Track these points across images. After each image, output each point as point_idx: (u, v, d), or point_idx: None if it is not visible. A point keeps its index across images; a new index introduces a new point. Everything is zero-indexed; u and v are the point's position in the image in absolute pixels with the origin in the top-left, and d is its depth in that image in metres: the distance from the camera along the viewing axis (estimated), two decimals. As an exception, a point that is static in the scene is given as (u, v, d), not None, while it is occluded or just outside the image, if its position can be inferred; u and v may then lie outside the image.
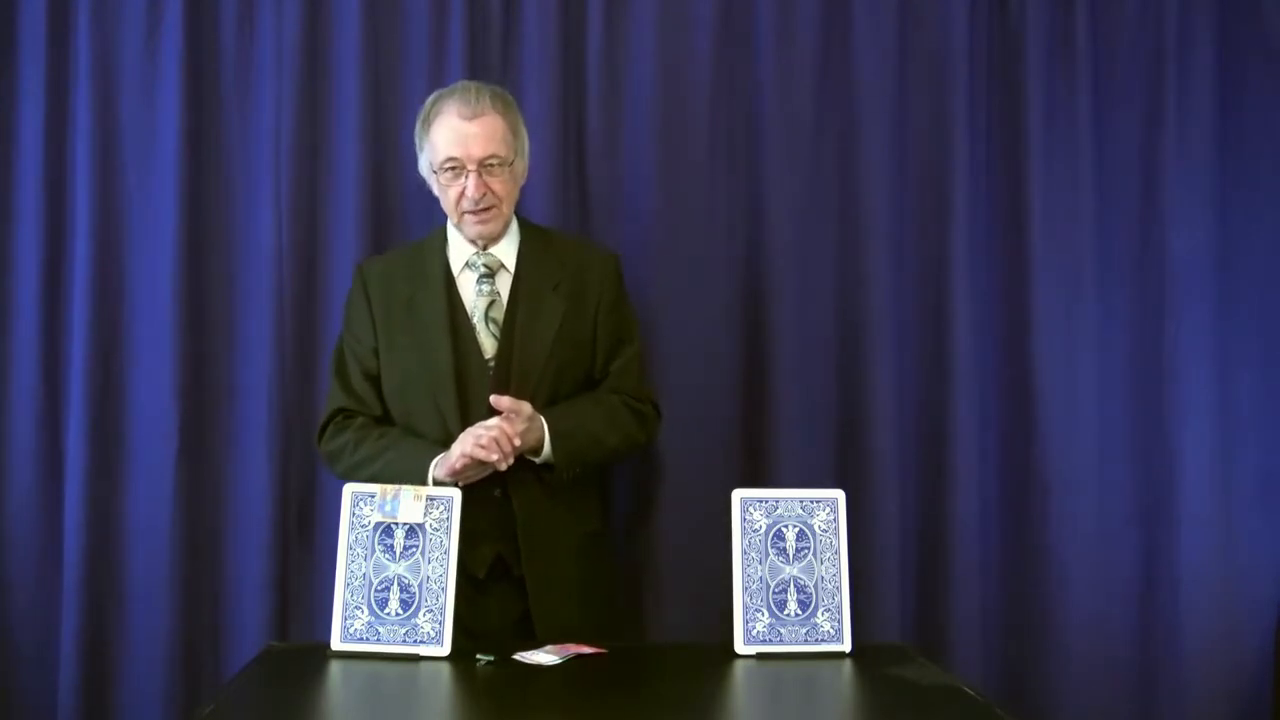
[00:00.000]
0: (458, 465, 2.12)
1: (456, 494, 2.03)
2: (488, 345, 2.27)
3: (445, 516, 2.01)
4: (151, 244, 2.67)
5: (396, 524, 2.00)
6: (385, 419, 2.32)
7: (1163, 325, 2.77)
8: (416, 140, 2.31)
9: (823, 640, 1.98)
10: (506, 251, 2.33)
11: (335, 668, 1.90)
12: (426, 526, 2.00)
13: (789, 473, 2.65)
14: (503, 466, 2.12)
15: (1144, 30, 2.78)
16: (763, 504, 2.03)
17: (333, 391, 2.36)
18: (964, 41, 2.74)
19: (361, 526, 2.00)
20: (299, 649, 2.08)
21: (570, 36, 2.73)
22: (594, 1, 2.72)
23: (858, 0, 2.75)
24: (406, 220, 2.71)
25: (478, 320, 2.28)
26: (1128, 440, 2.78)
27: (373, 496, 2.01)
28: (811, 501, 2.04)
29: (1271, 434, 2.78)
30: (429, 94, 2.67)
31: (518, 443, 2.13)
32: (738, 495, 2.03)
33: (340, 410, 2.33)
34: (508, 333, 2.27)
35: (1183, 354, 2.75)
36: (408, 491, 2.01)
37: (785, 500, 2.04)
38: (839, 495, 2.05)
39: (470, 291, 2.30)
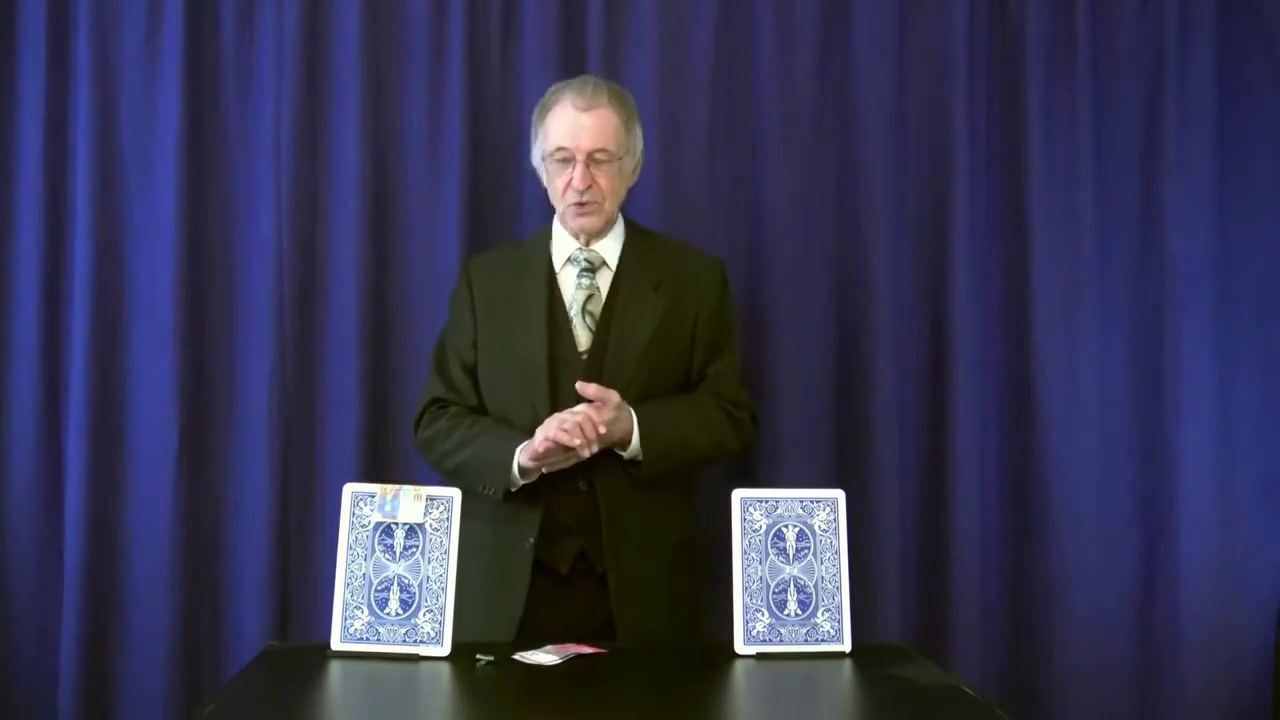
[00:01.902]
0: (540, 449, 2.11)
1: (456, 494, 2.03)
2: (582, 338, 2.27)
3: (445, 516, 2.01)
4: (151, 244, 2.68)
5: (396, 524, 2.00)
6: (481, 409, 2.32)
7: (1163, 325, 2.76)
8: (532, 129, 2.32)
9: (823, 640, 1.98)
10: (610, 248, 2.32)
11: (335, 668, 1.90)
12: (426, 526, 2.00)
13: (789, 473, 2.65)
14: (585, 453, 2.11)
15: (1144, 30, 2.78)
16: (763, 504, 2.03)
17: (430, 382, 2.38)
18: (964, 41, 2.74)
19: (361, 526, 2.00)
20: (299, 649, 2.08)
21: (570, 36, 2.73)
22: (594, 1, 2.72)
23: (857, 0, 2.75)
24: (407, 220, 2.71)
25: (574, 313, 2.28)
26: (1128, 440, 2.78)
27: (373, 496, 2.01)
28: (811, 501, 2.04)
29: (1271, 434, 2.78)
30: (429, 94, 2.71)
31: (602, 430, 2.11)
32: (738, 495, 2.03)
33: (435, 400, 2.35)
34: (604, 326, 2.26)
35: (1183, 354, 2.75)
36: (408, 491, 2.01)
37: (785, 500, 2.04)
38: (839, 495, 2.05)
39: (570, 285, 2.30)
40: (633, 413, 2.19)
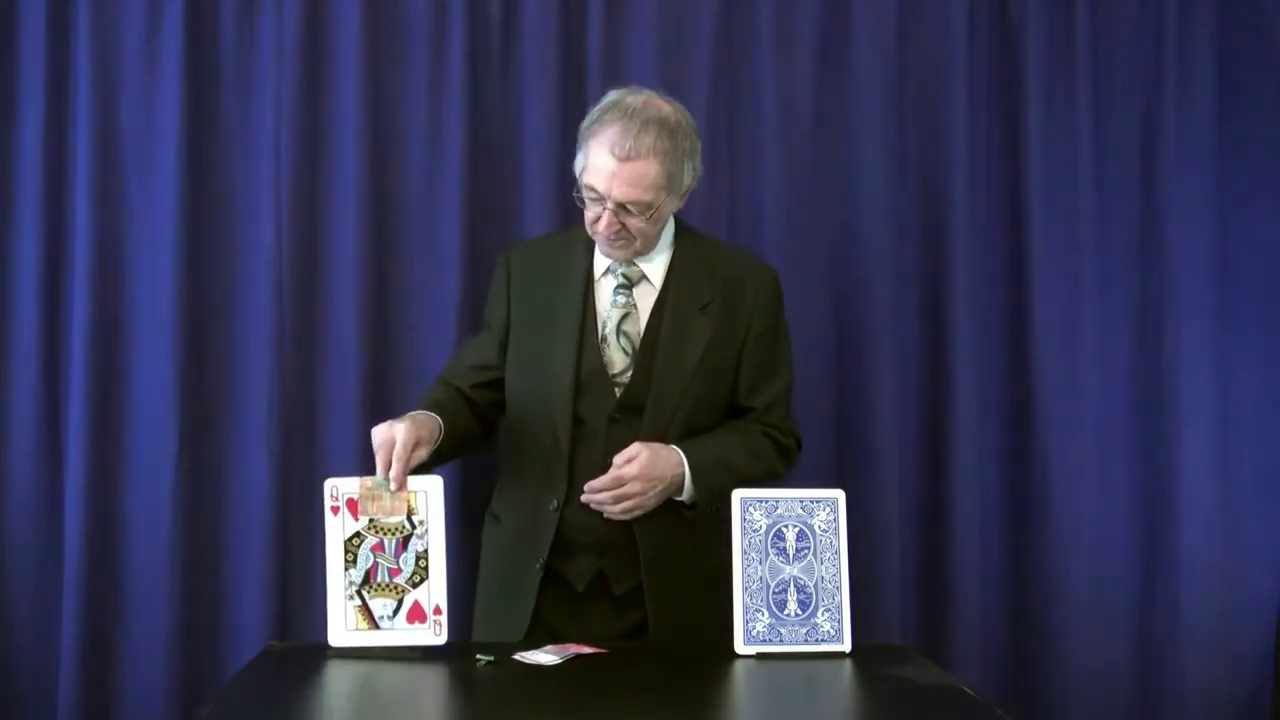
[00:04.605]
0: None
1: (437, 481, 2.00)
2: (616, 360, 2.21)
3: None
4: (151, 244, 2.67)
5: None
6: (465, 394, 2.28)
7: (1163, 325, 2.77)
8: (580, 134, 2.19)
9: (823, 640, 1.98)
10: (653, 263, 2.24)
11: (335, 667, 1.90)
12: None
13: (789, 473, 2.65)
14: (637, 512, 2.12)
15: (1144, 30, 2.79)
16: (763, 504, 2.03)
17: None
18: (964, 41, 2.74)
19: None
20: (299, 649, 2.08)
21: (570, 36, 2.72)
22: (594, 2, 2.72)
23: (857, 1, 2.75)
24: (407, 220, 2.71)
25: (609, 330, 2.22)
26: (1128, 439, 2.78)
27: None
28: (811, 501, 2.04)
29: (1271, 434, 2.78)
30: (429, 94, 2.70)
31: (636, 488, 2.10)
32: (738, 495, 2.03)
33: (439, 379, 2.35)
34: (646, 356, 2.20)
35: (1183, 353, 2.75)
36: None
37: (785, 500, 2.03)
38: (839, 495, 2.05)
39: (605, 300, 2.24)
40: (683, 456, 2.16)
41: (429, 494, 1.98)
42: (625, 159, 2.09)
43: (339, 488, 1.98)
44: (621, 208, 2.12)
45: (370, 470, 2.01)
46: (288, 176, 2.67)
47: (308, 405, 2.68)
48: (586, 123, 2.18)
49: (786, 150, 2.73)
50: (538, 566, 2.19)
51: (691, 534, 2.22)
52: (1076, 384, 2.76)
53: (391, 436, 1.99)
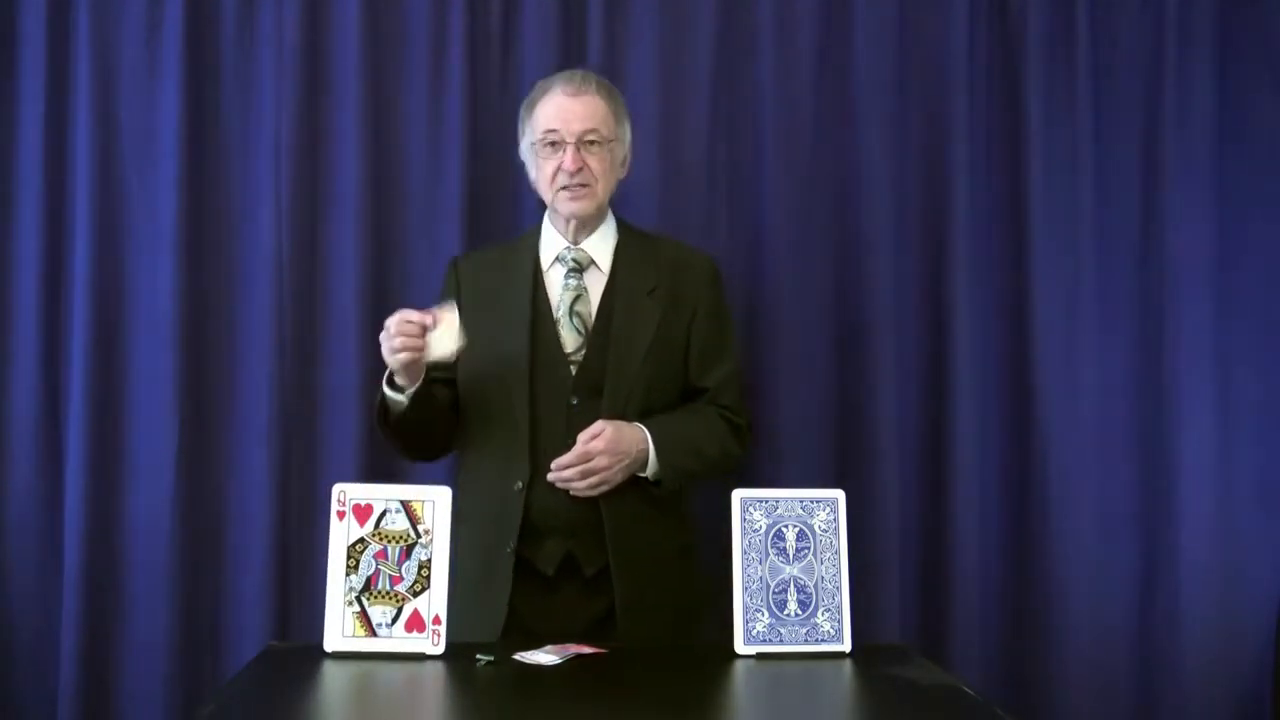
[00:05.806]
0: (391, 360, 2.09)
1: (445, 492, 2.00)
2: (569, 340, 2.24)
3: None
4: (151, 244, 2.68)
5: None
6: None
7: (1163, 325, 2.77)
8: (519, 124, 2.30)
9: (823, 640, 1.98)
10: (600, 249, 2.30)
11: (334, 668, 1.90)
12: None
13: (789, 473, 2.65)
14: (603, 487, 2.14)
15: (1144, 30, 2.79)
16: (763, 504, 2.03)
17: None
18: (964, 41, 2.74)
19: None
20: (299, 649, 2.07)
21: (570, 36, 2.73)
22: (594, 1, 2.72)
23: (858, 1, 2.75)
24: (408, 219, 2.71)
25: (561, 314, 2.25)
26: (1128, 440, 2.78)
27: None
28: (811, 501, 2.04)
29: (1271, 434, 2.78)
30: (429, 94, 2.71)
31: (603, 462, 2.12)
32: (738, 495, 2.03)
33: None
34: (599, 336, 2.23)
35: (1183, 354, 2.75)
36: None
37: (785, 500, 2.03)
38: (839, 495, 2.05)
39: (557, 285, 2.28)
40: (647, 433, 2.18)
41: (436, 504, 1.99)
42: (577, 94, 2.23)
43: (346, 493, 1.98)
44: (582, 142, 2.20)
45: (372, 480, 2.03)
46: (288, 176, 2.67)
47: (308, 405, 2.69)
48: (525, 103, 2.29)
49: (786, 150, 2.73)
50: (509, 551, 2.20)
51: (656, 512, 2.24)
52: (1076, 384, 2.76)
53: (399, 315, 2.08)
